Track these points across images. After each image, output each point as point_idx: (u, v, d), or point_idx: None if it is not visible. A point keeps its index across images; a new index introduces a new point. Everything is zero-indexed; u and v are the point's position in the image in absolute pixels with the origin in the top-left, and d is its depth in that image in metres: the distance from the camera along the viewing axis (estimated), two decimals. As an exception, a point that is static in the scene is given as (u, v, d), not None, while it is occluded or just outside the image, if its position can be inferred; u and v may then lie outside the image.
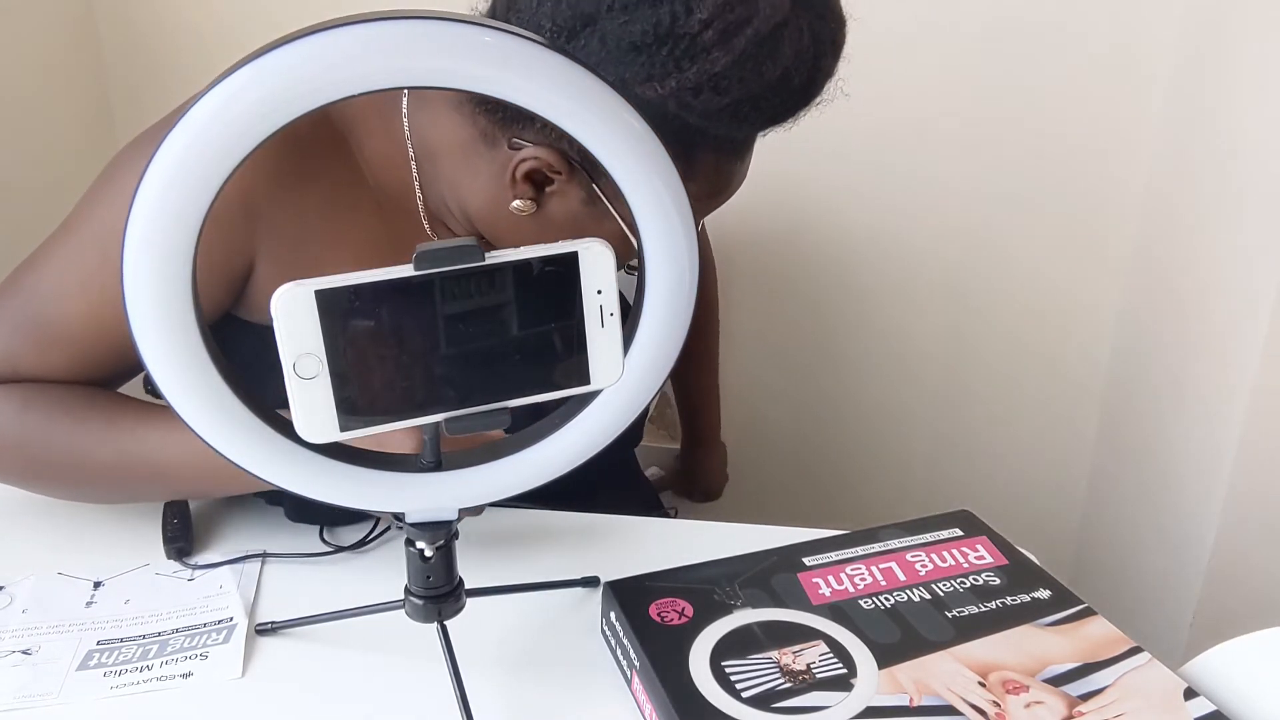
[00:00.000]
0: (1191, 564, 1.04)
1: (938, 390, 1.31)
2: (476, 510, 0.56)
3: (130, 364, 0.66)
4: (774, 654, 0.56)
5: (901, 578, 0.63)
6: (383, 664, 0.59)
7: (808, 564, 0.64)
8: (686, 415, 1.14)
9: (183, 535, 0.69)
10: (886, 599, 0.61)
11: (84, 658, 0.59)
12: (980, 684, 0.54)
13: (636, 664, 0.56)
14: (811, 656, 0.56)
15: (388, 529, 0.71)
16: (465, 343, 0.43)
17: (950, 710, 0.52)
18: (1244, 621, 0.58)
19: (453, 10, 0.41)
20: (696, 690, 0.53)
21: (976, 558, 0.65)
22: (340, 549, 0.69)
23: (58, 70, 1.20)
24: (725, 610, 0.59)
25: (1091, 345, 1.25)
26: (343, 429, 0.43)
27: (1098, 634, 0.58)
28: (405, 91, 0.67)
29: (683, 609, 0.59)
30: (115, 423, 0.64)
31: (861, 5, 1.12)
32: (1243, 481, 0.98)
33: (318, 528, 0.71)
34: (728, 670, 0.54)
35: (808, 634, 0.58)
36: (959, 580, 0.63)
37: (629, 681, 0.57)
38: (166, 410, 0.47)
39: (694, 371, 1.11)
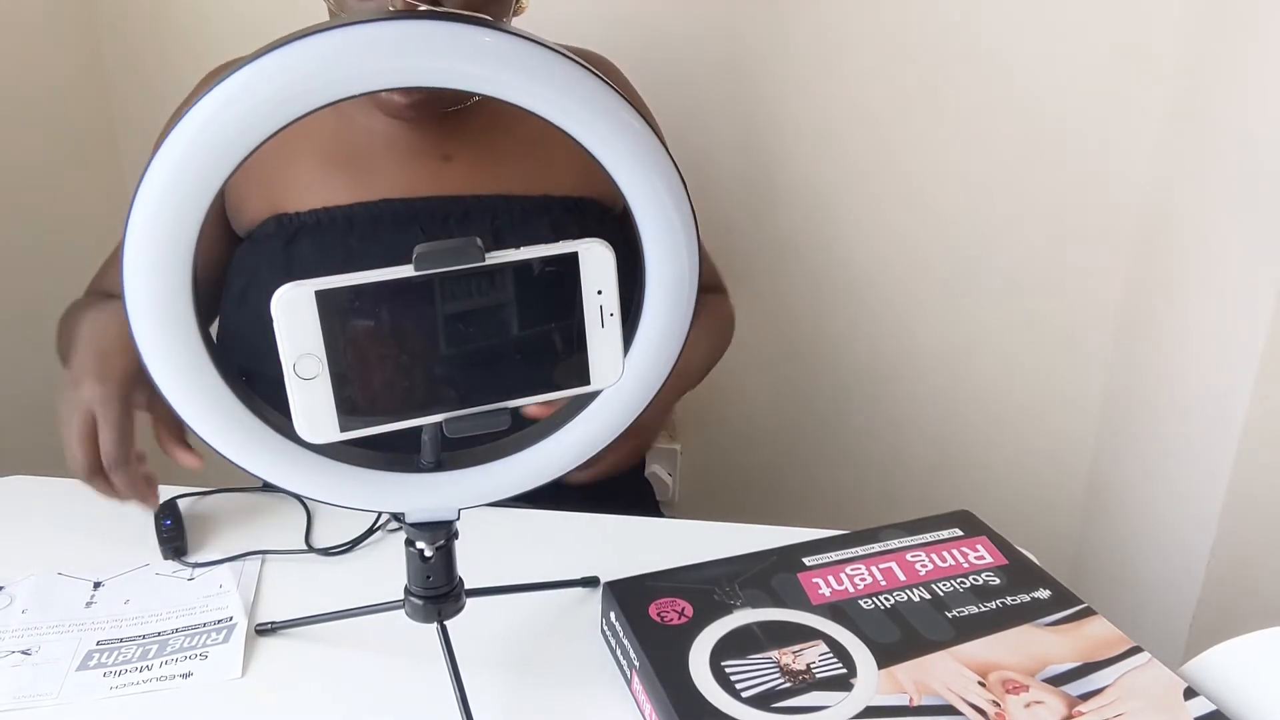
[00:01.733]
0: (1191, 564, 1.04)
1: (938, 390, 1.31)
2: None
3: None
4: (774, 654, 0.56)
5: (901, 578, 0.63)
6: (383, 664, 0.59)
7: (808, 564, 0.64)
8: None
9: (177, 535, 0.69)
10: (886, 599, 0.61)
11: (84, 658, 0.59)
12: (980, 684, 0.54)
13: (636, 664, 0.56)
14: (811, 656, 0.56)
15: (374, 529, 0.71)
16: (465, 343, 0.43)
17: (950, 710, 0.52)
18: (1244, 621, 0.58)
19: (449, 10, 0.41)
20: (696, 690, 0.53)
21: (976, 558, 0.65)
22: (330, 551, 0.69)
23: (58, 70, 1.20)
24: (725, 610, 0.59)
25: (1092, 345, 1.25)
26: (343, 429, 0.43)
27: (1098, 634, 0.58)
28: None
29: (683, 609, 0.59)
30: (88, 306, 0.78)
31: (861, 5, 1.12)
32: (1243, 482, 0.98)
33: (314, 526, 0.71)
34: (728, 670, 0.54)
35: (808, 634, 0.58)
36: (959, 580, 0.63)
37: (629, 681, 0.57)
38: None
39: None
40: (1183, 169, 1.09)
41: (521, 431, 0.52)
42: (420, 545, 0.52)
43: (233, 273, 0.83)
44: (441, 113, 0.82)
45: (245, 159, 0.40)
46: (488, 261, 0.42)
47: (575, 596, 0.65)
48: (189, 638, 0.60)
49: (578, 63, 0.42)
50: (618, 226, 0.46)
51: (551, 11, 0.89)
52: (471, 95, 0.67)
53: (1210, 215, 1.04)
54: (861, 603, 0.60)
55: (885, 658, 0.56)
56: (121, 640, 0.60)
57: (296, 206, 0.81)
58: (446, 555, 0.53)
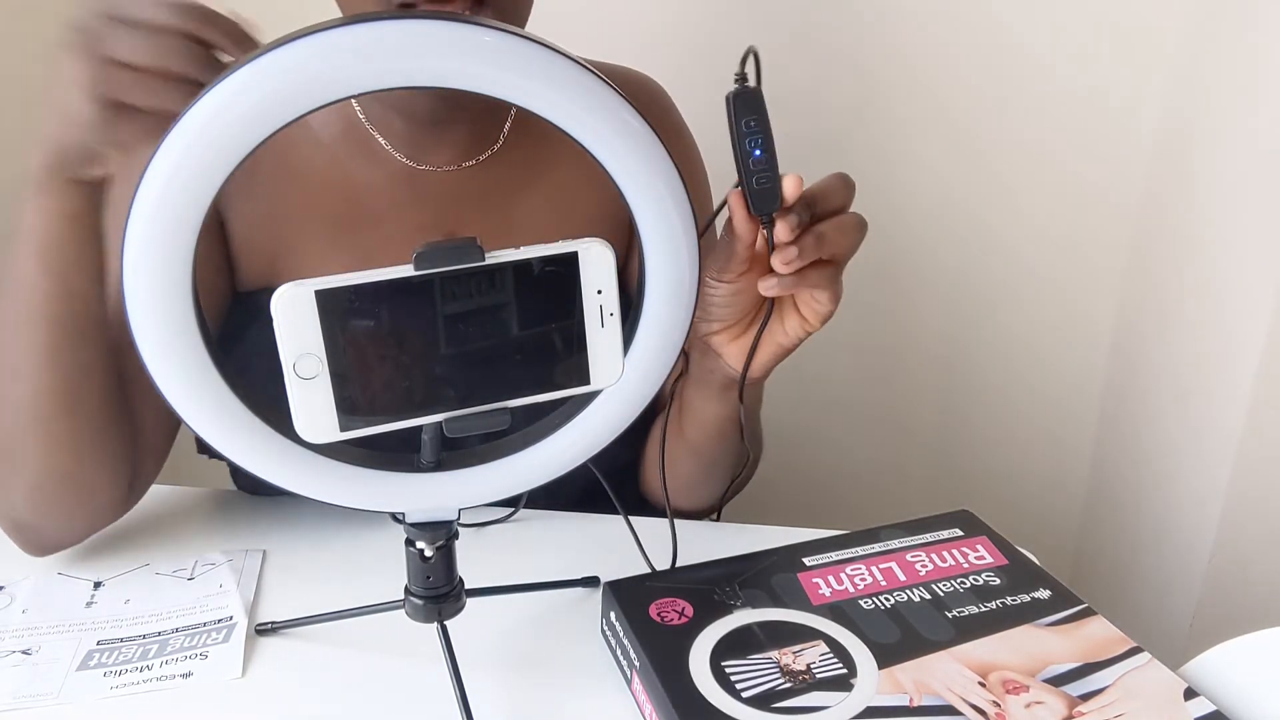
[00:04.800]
0: (1191, 564, 1.04)
1: (938, 390, 1.31)
2: None
3: None
4: (774, 654, 0.56)
5: (901, 578, 0.63)
6: (383, 664, 0.59)
7: (808, 564, 0.64)
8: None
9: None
10: (886, 599, 0.61)
11: (84, 658, 0.59)
12: (980, 684, 0.54)
13: (636, 664, 0.56)
14: (811, 656, 0.56)
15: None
16: (465, 343, 0.43)
17: (950, 710, 0.52)
18: (1244, 621, 0.58)
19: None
20: (696, 690, 0.53)
21: (976, 558, 0.65)
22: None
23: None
24: (725, 610, 0.59)
25: (1091, 345, 1.25)
26: (343, 429, 0.43)
27: (1098, 634, 0.58)
28: None
29: (683, 609, 0.59)
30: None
31: (861, 7, 1.12)
32: (1243, 482, 0.98)
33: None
34: (728, 670, 0.54)
35: (808, 634, 0.58)
36: (959, 580, 0.63)
37: (629, 681, 0.57)
38: None
39: None
40: (1180, 170, 1.09)
41: (521, 431, 0.52)
42: (420, 545, 0.52)
43: (234, 328, 0.73)
44: (460, 166, 0.75)
45: (245, 159, 0.40)
46: (487, 261, 0.42)
47: (575, 596, 0.65)
48: (189, 637, 0.60)
49: (578, 62, 0.42)
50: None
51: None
52: (494, 143, 0.72)
53: (1210, 215, 1.04)
54: (862, 603, 0.60)
55: (885, 658, 0.56)
56: (121, 640, 0.60)
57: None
58: (446, 555, 0.53)
